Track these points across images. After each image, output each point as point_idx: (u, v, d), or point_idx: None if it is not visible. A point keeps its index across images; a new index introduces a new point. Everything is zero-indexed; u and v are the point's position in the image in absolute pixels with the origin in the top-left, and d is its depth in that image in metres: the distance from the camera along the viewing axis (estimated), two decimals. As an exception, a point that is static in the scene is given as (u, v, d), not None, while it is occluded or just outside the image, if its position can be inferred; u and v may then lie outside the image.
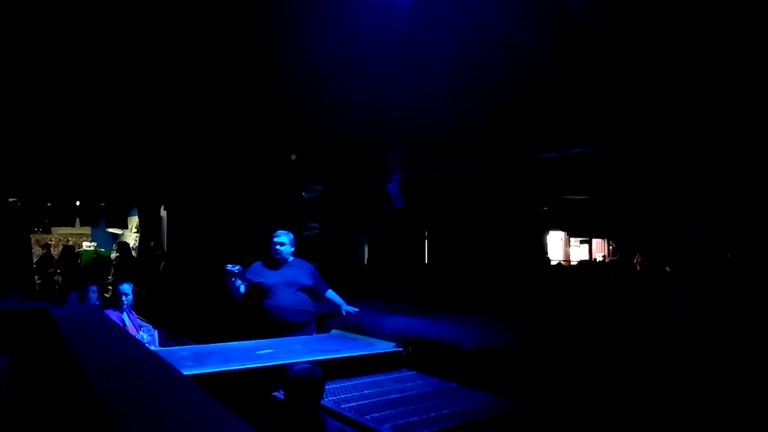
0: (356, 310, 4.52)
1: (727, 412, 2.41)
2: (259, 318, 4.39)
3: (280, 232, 4.61)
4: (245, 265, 4.53)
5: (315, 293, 4.56)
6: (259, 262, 4.59)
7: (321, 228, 7.91)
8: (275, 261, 4.54)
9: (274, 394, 2.97)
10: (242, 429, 0.67)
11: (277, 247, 4.52)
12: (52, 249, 12.59)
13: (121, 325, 4.41)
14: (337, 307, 4.56)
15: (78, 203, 10.40)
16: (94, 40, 4.81)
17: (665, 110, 5.41)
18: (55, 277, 10.72)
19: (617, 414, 2.69)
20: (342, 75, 5.63)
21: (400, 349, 3.79)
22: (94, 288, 5.71)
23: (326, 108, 6.24)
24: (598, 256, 13.47)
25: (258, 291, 4.43)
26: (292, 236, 4.63)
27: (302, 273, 4.55)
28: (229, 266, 4.37)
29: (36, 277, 10.66)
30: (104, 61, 5.21)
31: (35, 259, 11.32)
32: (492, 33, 4.78)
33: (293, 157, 8.07)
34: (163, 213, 10.96)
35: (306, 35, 5.17)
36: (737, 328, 3.55)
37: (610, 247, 12.84)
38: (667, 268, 7.33)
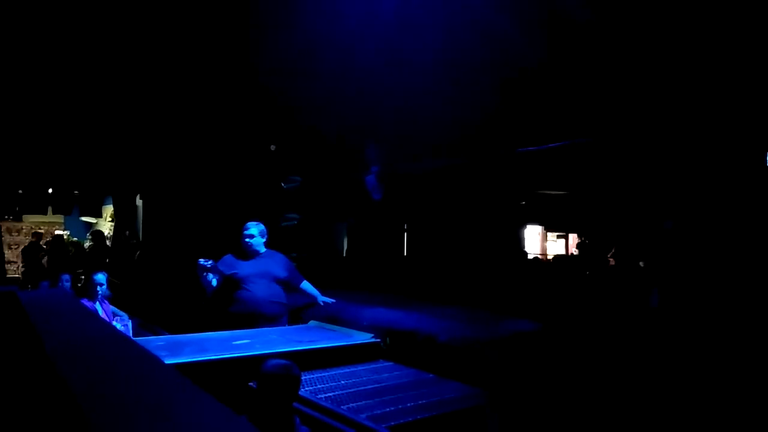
0: (332, 301, 4.50)
1: (708, 402, 2.46)
2: (232, 310, 4.33)
3: (249, 224, 4.52)
4: (218, 257, 4.47)
5: (289, 285, 4.51)
6: (230, 254, 4.52)
7: (300, 219, 7.86)
8: (247, 253, 4.47)
9: (250, 384, 2.94)
10: (210, 405, 0.65)
11: (246, 239, 4.44)
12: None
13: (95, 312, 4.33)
14: (313, 298, 4.53)
15: (50, 191, 10.18)
16: (66, 26, 4.70)
17: (644, 107, 5.49)
18: (43, 261, 10.48)
19: (593, 404, 2.73)
20: (324, 66, 5.59)
21: (378, 340, 3.79)
22: (66, 277, 5.60)
23: (306, 98, 6.20)
24: (575, 251, 13.65)
25: (230, 283, 4.36)
26: (262, 227, 4.54)
27: (276, 264, 4.49)
28: (202, 260, 4.30)
29: (20, 265, 10.45)
30: (78, 46, 5.09)
31: (21, 248, 11.11)
32: (476, 28, 4.78)
33: (272, 147, 8.00)
34: (139, 202, 10.78)
35: (290, 25, 5.11)
36: (716, 322, 3.63)
37: (585, 242, 13.02)
38: (641, 263, 7.46)
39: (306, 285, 4.57)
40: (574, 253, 13.11)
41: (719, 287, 4.60)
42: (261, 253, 4.49)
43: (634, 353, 2.86)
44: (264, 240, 4.53)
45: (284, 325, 4.37)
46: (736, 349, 2.78)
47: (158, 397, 0.71)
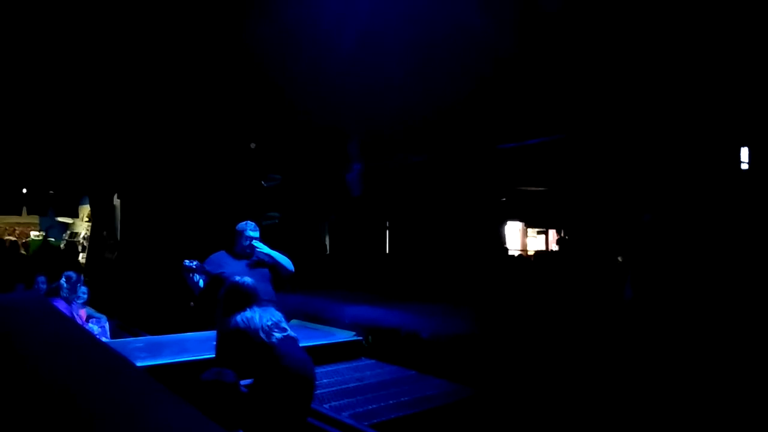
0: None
1: (678, 392, 2.50)
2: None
3: (250, 223, 4.34)
4: (202, 257, 4.38)
5: (276, 274, 4.31)
6: (221, 252, 4.42)
7: (280, 217, 7.81)
8: (242, 253, 4.34)
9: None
10: (179, 408, 0.64)
11: (254, 241, 4.29)
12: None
13: (68, 315, 4.25)
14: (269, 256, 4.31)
15: (24, 191, 9.97)
16: (37, 22, 4.60)
17: (622, 103, 5.56)
18: None
19: (572, 398, 2.76)
20: (303, 63, 5.55)
21: (360, 338, 3.79)
22: (42, 278, 5.49)
23: (287, 95, 6.15)
24: (555, 247, 13.78)
25: (219, 282, 4.27)
26: None
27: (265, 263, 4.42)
28: (187, 261, 4.21)
29: None
30: (51, 42, 4.98)
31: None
32: (454, 22, 4.78)
33: (252, 145, 7.93)
34: (117, 201, 10.62)
35: (270, 20, 5.06)
36: (687, 314, 3.68)
37: (565, 237, 13.17)
38: (619, 258, 7.55)
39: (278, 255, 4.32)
40: (554, 249, 13.25)
41: (695, 278, 4.68)
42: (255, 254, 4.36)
43: (606, 344, 2.89)
44: None
45: None
46: (712, 338, 2.83)
47: (126, 400, 0.69)
